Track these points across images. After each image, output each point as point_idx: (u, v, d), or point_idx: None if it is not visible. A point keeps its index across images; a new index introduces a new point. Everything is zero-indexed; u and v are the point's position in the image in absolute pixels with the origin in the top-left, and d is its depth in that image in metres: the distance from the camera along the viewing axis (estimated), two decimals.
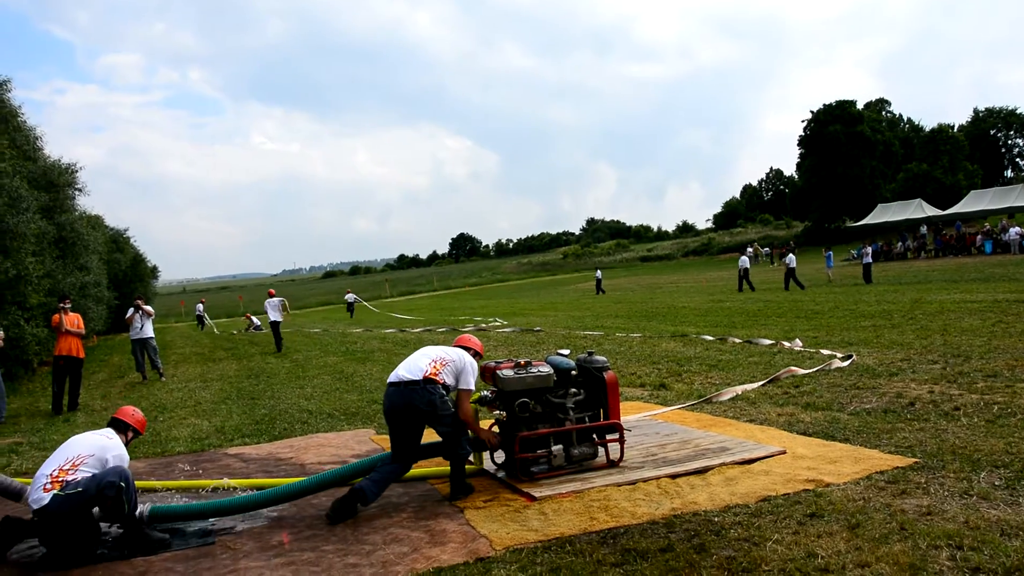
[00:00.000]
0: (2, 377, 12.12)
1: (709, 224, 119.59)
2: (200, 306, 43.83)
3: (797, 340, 13.01)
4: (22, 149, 21.51)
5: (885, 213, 54.49)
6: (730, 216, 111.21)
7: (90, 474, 5.07)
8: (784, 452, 6.13)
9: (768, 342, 13.21)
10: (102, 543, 5.19)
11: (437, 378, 5.74)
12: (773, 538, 4.36)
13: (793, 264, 28.96)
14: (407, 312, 39.52)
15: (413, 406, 5.64)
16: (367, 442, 8.11)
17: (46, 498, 4.94)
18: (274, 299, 22.19)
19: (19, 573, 4.90)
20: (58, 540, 5.02)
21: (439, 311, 37.25)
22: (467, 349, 6.17)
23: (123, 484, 5.03)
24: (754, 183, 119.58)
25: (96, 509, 5.06)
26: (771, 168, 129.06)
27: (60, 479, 5.01)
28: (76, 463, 5.11)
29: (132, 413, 5.84)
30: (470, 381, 5.86)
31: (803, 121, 73.20)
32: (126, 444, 5.54)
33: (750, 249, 63.11)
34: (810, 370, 9.99)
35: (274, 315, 21.68)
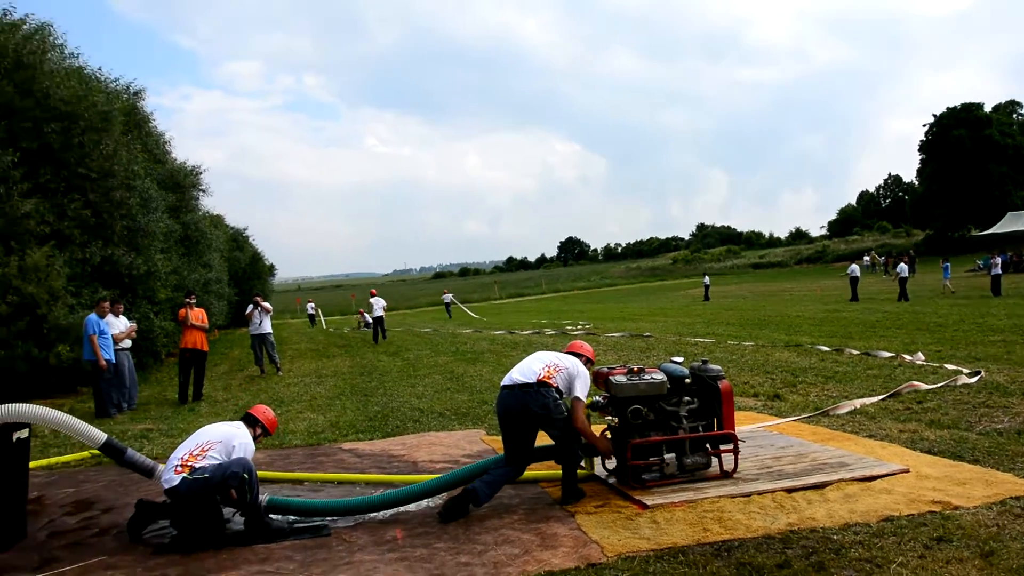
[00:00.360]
0: (134, 367, 12.79)
1: (823, 231, 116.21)
2: (310, 305, 45.19)
3: (919, 353, 12.49)
4: (152, 153, 22.74)
5: (1016, 222, 51.78)
6: (846, 223, 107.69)
7: (217, 462, 5.33)
8: (907, 471, 5.89)
9: (888, 355, 12.74)
10: (226, 527, 5.45)
11: (551, 381, 5.76)
12: (897, 560, 4.20)
13: (905, 274, 27.94)
14: (516, 313, 39.78)
15: (527, 409, 5.68)
16: (478, 442, 8.20)
17: (176, 480, 5.24)
18: (378, 298, 25.85)
19: (149, 552, 5.16)
20: (186, 521, 5.32)
21: (547, 314, 37.30)
22: (579, 356, 6.17)
23: (246, 476, 5.29)
24: (871, 189, 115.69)
25: (219, 497, 5.32)
26: (889, 174, 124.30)
27: (189, 463, 5.29)
28: (205, 449, 5.39)
29: (264, 411, 6.03)
30: (583, 389, 5.86)
31: (925, 125, 70.32)
32: (254, 439, 5.76)
33: (867, 257, 60.94)
34: (934, 385, 9.57)
35: (379, 311, 25.24)
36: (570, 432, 5.76)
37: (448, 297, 45.19)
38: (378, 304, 25.22)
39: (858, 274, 30.16)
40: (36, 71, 15.05)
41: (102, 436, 5.75)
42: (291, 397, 12.60)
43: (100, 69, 18.65)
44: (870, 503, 5.20)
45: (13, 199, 13.76)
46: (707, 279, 43.85)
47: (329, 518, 5.71)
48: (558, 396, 5.78)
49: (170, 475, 5.29)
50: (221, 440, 5.48)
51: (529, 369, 5.86)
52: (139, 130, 21.82)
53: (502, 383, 5.94)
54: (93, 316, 11.54)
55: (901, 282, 27.70)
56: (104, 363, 11.32)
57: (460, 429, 9.06)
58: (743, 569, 4.24)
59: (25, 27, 15.76)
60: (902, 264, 28.91)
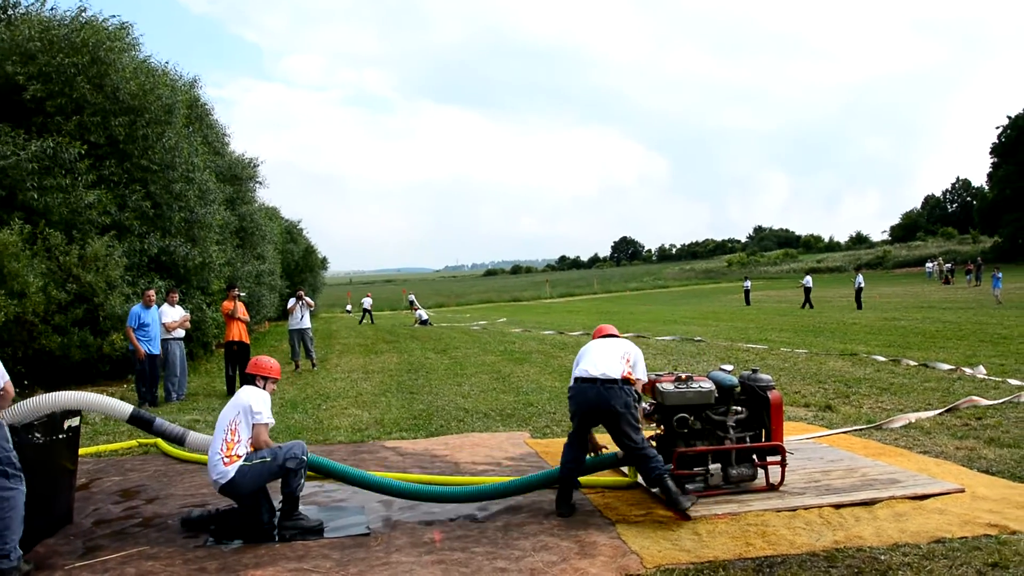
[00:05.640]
0: (185, 357, 12.98)
1: (885, 236, 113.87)
2: (367, 301, 42.74)
3: (980, 367, 12.10)
4: (212, 145, 23.06)
5: None
6: (909, 229, 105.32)
7: (276, 446, 5.45)
8: (963, 490, 5.68)
9: (947, 367, 12.36)
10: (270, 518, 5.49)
11: (631, 377, 5.73)
12: None
13: (861, 285, 31.13)
14: (567, 313, 39.54)
15: (610, 406, 5.57)
16: (521, 445, 8.12)
17: (231, 471, 5.27)
18: (367, 297, 41.62)
19: (189, 545, 5.20)
20: (237, 515, 5.41)
21: (597, 315, 37.03)
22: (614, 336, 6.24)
23: (304, 458, 5.44)
24: (937, 194, 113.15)
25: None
26: (957, 178, 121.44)
27: (231, 452, 5.33)
28: (233, 429, 5.43)
29: (256, 363, 5.92)
30: (644, 371, 5.95)
31: (998, 127, 68.42)
32: (265, 389, 5.76)
33: (931, 264, 59.50)
34: (995, 401, 9.25)
35: (367, 305, 40.59)
36: (642, 437, 5.66)
37: (368, 302, 41.86)
38: (366, 301, 41.10)
39: (810, 284, 33.85)
40: (110, 67, 15.39)
41: (128, 408, 5.83)
42: (337, 392, 12.65)
43: (167, 64, 18.99)
44: (921, 523, 5.02)
45: (78, 190, 14.12)
46: (748, 283, 42.84)
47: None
48: (637, 397, 5.73)
49: (222, 469, 5.28)
50: (238, 410, 5.50)
51: (607, 363, 5.72)
52: (200, 122, 22.14)
53: (577, 375, 5.81)
54: (136, 308, 11.76)
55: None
56: (143, 353, 11.52)
57: (504, 431, 9.00)
58: None
59: (107, 26, 16.12)
60: (859, 276, 31.52)
